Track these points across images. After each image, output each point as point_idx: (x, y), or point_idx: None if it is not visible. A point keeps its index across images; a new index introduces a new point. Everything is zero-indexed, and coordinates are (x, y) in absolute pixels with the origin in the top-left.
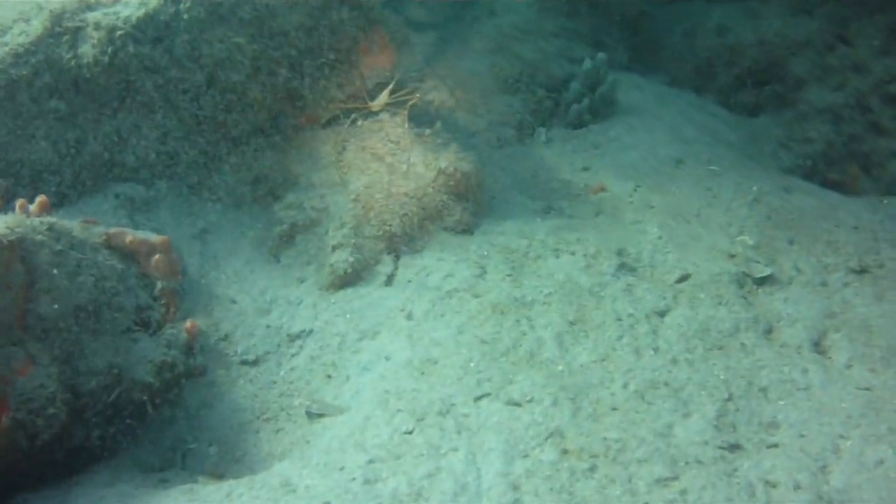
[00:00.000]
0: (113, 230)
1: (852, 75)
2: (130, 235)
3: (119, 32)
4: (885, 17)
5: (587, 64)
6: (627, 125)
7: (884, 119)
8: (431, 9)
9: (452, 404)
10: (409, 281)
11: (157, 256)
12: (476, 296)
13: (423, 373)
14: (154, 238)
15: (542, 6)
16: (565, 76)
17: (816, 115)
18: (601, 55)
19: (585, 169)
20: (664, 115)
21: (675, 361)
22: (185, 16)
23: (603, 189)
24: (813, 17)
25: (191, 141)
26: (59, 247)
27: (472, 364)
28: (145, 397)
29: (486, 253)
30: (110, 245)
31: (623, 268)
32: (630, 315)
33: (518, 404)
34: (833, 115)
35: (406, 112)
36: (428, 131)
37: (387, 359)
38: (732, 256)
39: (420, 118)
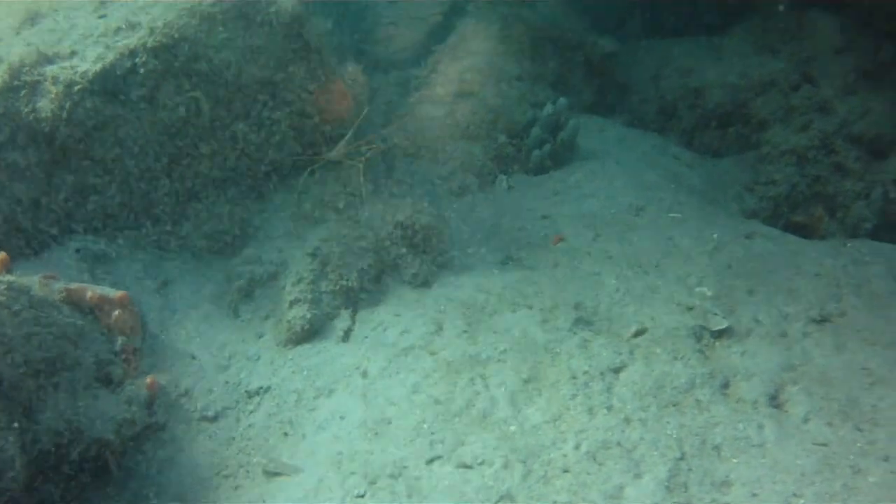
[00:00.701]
0: (73, 286)
1: (817, 116)
2: (90, 291)
3: (77, 87)
4: (850, 55)
5: (548, 109)
6: (589, 171)
7: (848, 160)
8: (396, 50)
9: (404, 467)
10: (366, 337)
11: (117, 312)
12: (431, 353)
13: (376, 433)
14: (114, 294)
15: (506, 49)
16: (528, 121)
17: (780, 157)
18: (562, 100)
19: (545, 217)
20: (626, 160)
21: (628, 420)
22: (142, 70)
23: (562, 239)
24: (777, 57)
25: (149, 194)
26: (17, 307)
27: (425, 425)
28: (107, 455)
29: (442, 308)
30: (70, 301)
31: (580, 322)
32: (585, 372)
33: (469, 467)
34: (797, 157)
35: (364, 162)
36: (387, 182)
37: (341, 418)
38: (690, 309)
39: (380, 167)
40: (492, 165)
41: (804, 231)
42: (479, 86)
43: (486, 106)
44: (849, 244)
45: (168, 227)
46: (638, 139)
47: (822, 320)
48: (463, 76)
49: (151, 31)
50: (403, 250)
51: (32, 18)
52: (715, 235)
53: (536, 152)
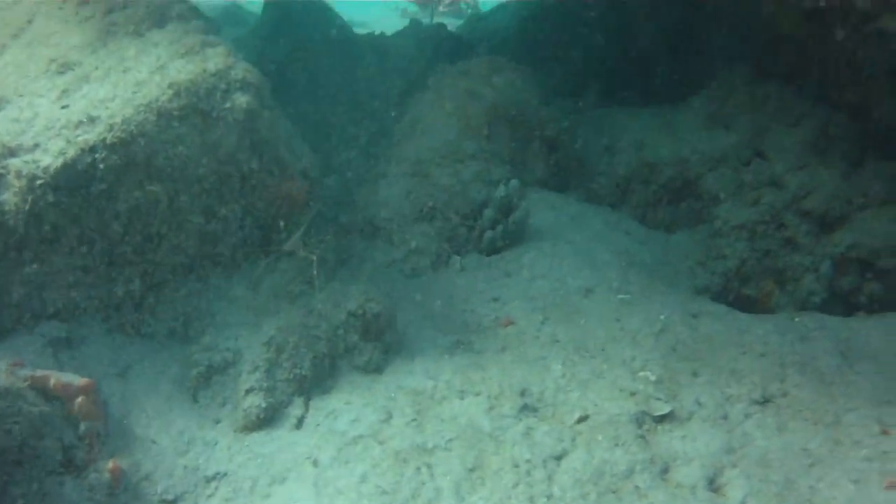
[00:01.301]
0: (38, 374)
1: (767, 190)
2: (54, 379)
3: (39, 181)
4: (801, 130)
5: (501, 191)
6: (539, 252)
7: (799, 235)
8: (360, 125)
9: None
10: (318, 424)
11: (80, 399)
12: (380, 442)
13: None
14: (77, 381)
15: (462, 127)
16: (482, 201)
17: (731, 232)
18: (514, 182)
19: (496, 300)
20: (578, 239)
21: None
22: (102, 165)
23: (511, 322)
24: (729, 131)
25: (111, 283)
26: None
27: None
28: None
29: (392, 395)
30: (36, 387)
31: (525, 409)
32: (527, 461)
33: None
34: (748, 232)
35: (318, 253)
36: (341, 268)
37: None
38: (633, 394)
39: (336, 250)
40: (446, 246)
41: (754, 304)
42: (434, 166)
43: (441, 186)
44: (797, 318)
45: (130, 314)
46: (591, 215)
47: (765, 401)
48: (420, 155)
49: (110, 127)
50: (356, 338)
51: None
52: (662, 317)
53: (489, 233)
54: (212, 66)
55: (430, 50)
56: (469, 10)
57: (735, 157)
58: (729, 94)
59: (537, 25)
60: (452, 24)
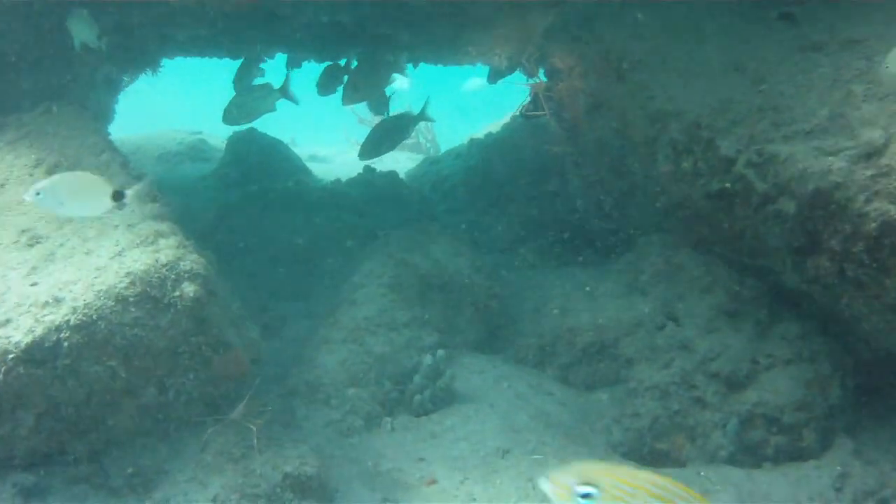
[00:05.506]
0: None
1: (678, 354)
2: None
3: (11, 356)
4: (712, 296)
5: (428, 360)
6: (463, 415)
7: (707, 394)
8: (306, 295)
9: None
10: None
11: None
12: None
13: None
14: None
15: (396, 297)
16: (412, 366)
17: (645, 392)
18: (440, 353)
19: (421, 460)
20: (500, 402)
21: None
22: (66, 343)
23: (434, 482)
24: (646, 298)
25: (76, 438)
26: None
27: None
28: None
29: None
30: None
31: None
32: None
33: None
34: (660, 392)
35: (259, 422)
36: (283, 429)
37: None
38: None
39: (281, 417)
40: (379, 409)
41: (666, 456)
42: (370, 334)
43: (375, 355)
44: (703, 472)
45: (94, 466)
46: (515, 378)
47: None
48: (357, 324)
49: (74, 309)
50: (290, 495)
51: None
52: None
53: (418, 397)
54: (163, 257)
55: (381, 200)
56: (428, 146)
57: (650, 323)
58: (646, 262)
59: (481, 177)
60: (412, 158)
